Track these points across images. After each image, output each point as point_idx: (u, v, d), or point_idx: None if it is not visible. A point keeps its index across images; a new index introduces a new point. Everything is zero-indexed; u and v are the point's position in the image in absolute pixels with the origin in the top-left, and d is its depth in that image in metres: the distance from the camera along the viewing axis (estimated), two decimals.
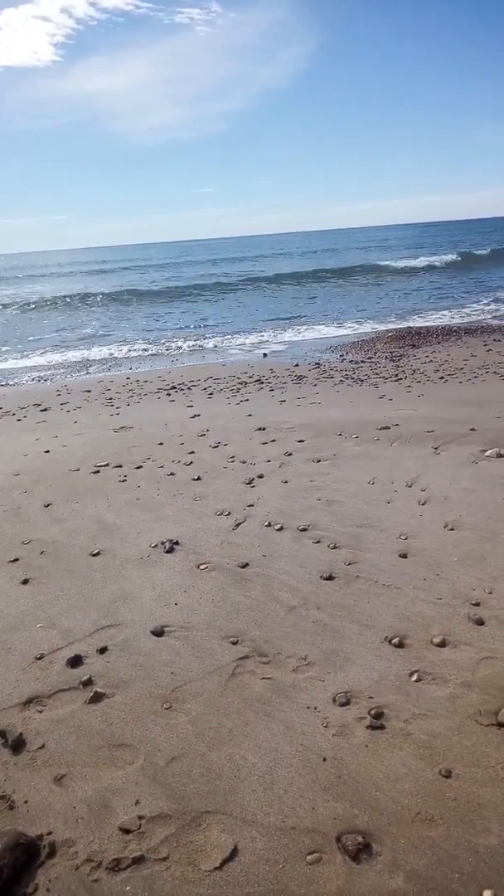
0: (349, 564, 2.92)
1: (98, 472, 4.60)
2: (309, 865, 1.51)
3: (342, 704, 2.02)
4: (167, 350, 12.73)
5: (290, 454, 4.72)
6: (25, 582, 2.98)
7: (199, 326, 16.01)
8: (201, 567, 3.00)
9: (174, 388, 8.30)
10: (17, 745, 1.94)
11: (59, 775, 1.82)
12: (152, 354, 12.30)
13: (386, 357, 9.71)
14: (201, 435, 5.51)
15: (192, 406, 6.97)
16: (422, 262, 30.58)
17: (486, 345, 10.13)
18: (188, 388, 8.20)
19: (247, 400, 7.17)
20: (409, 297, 18.99)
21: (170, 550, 3.19)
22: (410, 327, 12.67)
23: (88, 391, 8.47)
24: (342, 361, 9.66)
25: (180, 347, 12.89)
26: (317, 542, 3.17)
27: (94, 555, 3.21)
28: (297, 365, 9.52)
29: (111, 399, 7.81)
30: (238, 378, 8.68)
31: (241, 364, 10.17)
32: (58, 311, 21.70)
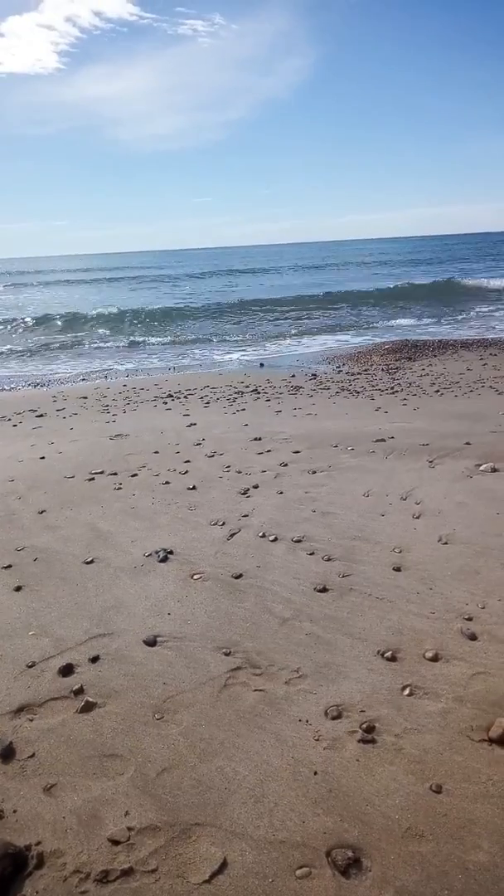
0: (343, 577, 2.93)
1: (93, 479, 4.59)
2: (298, 880, 1.51)
3: (334, 718, 2.02)
4: (163, 358, 12.75)
5: (285, 465, 4.73)
6: (18, 589, 2.97)
7: (201, 334, 16.06)
8: (195, 577, 3.00)
9: (170, 396, 8.31)
10: (7, 754, 1.92)
11: (49, 785, 1.81)
12: (149, 366, 12.31)
13: (382, 369, 9.77)
14: (197, 444, 5.52)
15: (188, 415, 6.98)
16: None
17: (481, 359, 10.20)
18: (184, 397, 8.21)
19: (243, 409, 7.19)
20: None
21: (164, 560, 3.19)
22: (407, 340, 12.76)
23: (84, 398, 8.47)
24: (339, 373, 9.71)
25: (180, 355, 12.92)
26: (311, 554, 3.17)
27: (87, 563, 3.21)
28: (293, 375, 9.55)
29: (107, 406, 7.82)
30: (234, 388, 8.70)
31: (238, 374, 10.20)
32: (54, 320, 21.63)
